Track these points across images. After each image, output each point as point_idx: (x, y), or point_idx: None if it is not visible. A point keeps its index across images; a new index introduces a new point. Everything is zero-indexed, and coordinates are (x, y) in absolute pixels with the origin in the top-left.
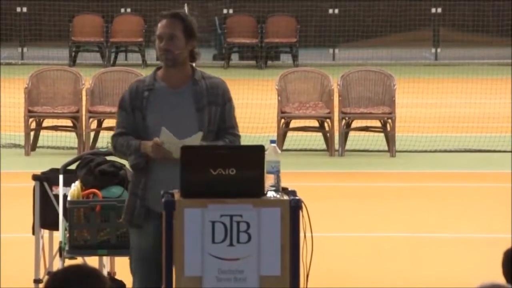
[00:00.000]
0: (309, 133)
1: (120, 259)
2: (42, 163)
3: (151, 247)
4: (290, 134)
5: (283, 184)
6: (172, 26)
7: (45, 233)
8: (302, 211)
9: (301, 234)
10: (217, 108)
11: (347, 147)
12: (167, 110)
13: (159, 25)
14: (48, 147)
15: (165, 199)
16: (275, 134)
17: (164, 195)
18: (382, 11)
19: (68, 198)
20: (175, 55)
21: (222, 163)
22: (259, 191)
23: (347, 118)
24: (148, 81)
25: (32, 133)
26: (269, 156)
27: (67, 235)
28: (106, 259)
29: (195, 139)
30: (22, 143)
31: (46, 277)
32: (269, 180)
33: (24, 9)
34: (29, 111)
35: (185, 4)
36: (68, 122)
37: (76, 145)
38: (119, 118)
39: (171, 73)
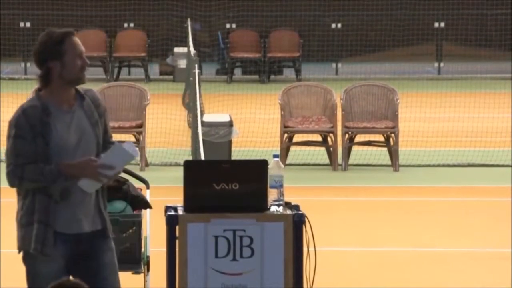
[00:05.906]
0: (312, 148)
1: (123, 274)
2: None
3: (60, 272)
4: (293, 148)
5: (286, 198)
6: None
7: None
8: (305, 226)
9: (304, 249)
10: (102, 119)
11: (350, 161)
12: (68, 131)
13: (73, 43)
14: None
15: (168, 213)
16: (278, 148)
17: (167, 209)
18: (385, 25)
19: None
20: None
21: (225, 178)
22: (262, 206)
23: (350, 133)
24: (40, 105)
25: None
26: (272, 171)
27: None
28: None
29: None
30: None
31: None
32: (272, 194)
33: (28, 24)
34: None
35: (188, 19)
36: None
37: None
38: (19, 146)
39: (66, 93)
